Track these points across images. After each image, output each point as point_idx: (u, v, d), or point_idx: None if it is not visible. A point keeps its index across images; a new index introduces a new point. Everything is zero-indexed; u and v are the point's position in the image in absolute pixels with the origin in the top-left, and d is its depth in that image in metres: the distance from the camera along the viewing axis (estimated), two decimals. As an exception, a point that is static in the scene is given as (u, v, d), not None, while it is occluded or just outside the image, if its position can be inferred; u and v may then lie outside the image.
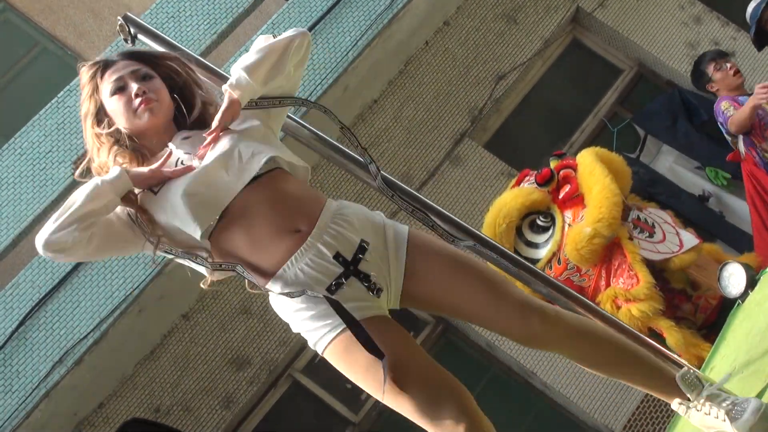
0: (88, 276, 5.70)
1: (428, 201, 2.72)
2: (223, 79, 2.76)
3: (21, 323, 5.59)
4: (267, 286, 2.49)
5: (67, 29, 7.47)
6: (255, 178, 2.50)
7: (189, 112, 2.72)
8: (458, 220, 2.69)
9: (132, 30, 2.92)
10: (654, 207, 5.09)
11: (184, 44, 2.96)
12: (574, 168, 4.84)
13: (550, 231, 4.84)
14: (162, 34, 2.98)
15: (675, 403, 2.67)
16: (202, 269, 2.54)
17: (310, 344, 2.54)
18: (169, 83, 2.71)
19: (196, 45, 6.03)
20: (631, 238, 4.67)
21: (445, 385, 2.45)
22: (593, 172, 4.69)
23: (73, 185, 5.95)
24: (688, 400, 2.64)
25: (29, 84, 7.38)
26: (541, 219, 4.87)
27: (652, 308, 4.51)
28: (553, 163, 4.97)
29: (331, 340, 2.46)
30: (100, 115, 2.66)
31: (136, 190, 2.54)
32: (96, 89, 2.66)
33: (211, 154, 2.53)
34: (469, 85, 7.26)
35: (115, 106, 2.63)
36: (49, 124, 5.95)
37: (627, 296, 4.53)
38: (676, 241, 4.75)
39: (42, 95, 6.30)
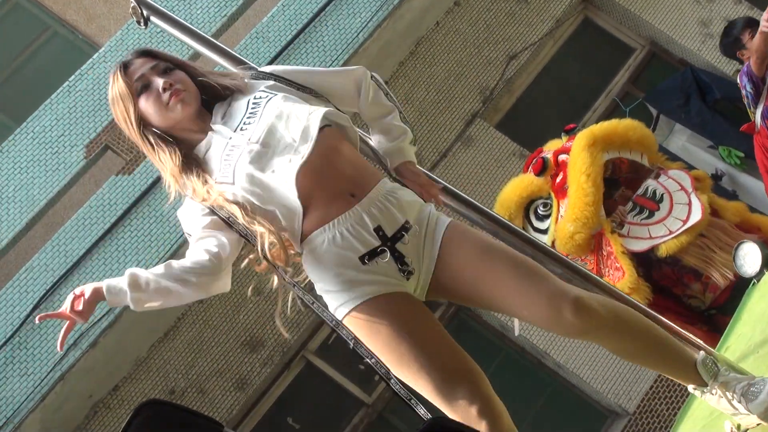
0: (101, 259, 5.73)
1: (441, 180, 2.72)
2: (236, 60, 2.76)
3: (35, 307, 5.63)
4: (310, 236, 2.53)
5: (77, 13, 7.48)
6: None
7: (210, 94, 2.73)
8: (470, 199, 2.69)
9: (145, 12, 2.93)
10: (678, 168, 5.05)
11: (194, 26, 2.95)
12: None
13: (550, 219, 4.87)
14: (174, 16, 2.99)
15: (691, 387, 2.68)
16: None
17: (332, 308, 2.56)
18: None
19: (206, 27, 6.05)
20: (614, 231, 4.67)
21: (461, 366, 2.47)
22: (575, 165, 4.68)
23: (85, 170, 6.00)
24: (705, 384, 2.64)
25: (40, 68, 7.40)
26: (541, 208, 4.90)
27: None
28: (564, 139, 4.96)
29: (355, 307, 2.49)
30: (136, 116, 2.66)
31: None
32: (124, 93, 2.64)
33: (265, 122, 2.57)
34: (480, 66, 7.25)
35: (144, 105, 2.62)
36: (60, 109, 5.98)
37: None
38: (683, 215, 4.72)
39: (53, 80, 6.33)
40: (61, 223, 5.99)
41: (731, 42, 5.56)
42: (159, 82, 2.61)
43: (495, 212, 4.84)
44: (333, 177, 2.52)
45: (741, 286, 4.30)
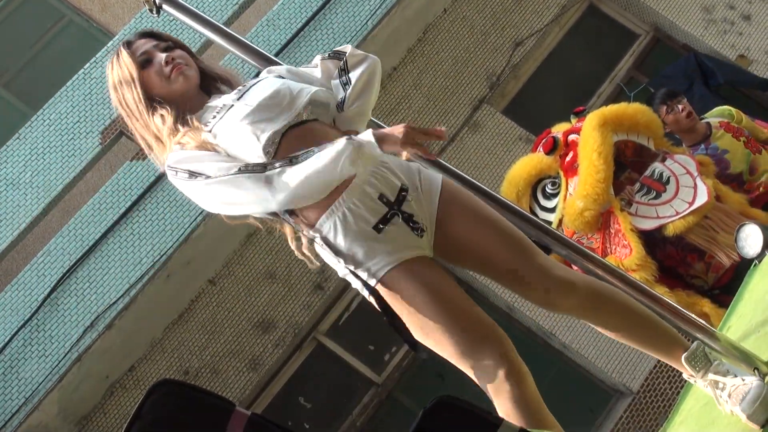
0: (117, 243, 5.81)
1: (449, 165, 2.75)
2: (247, 48, 2.82)
3: (53, 290, 5.73)
4: (317, 226, 2.55)
5: (92, 2, 7.54)
6: (301, 123, 2.58)
7: (209, 80, 2.81)
8: (478, 183, 2.73)
9: (157, 0, 2.93)
10: (683, 152, 5.10)
11: (206, 14, 3.00)
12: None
13: (559, 197, 4.90)
14: (186, 4, 3.01)
15: (686, 374, 2.73)
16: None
17: (357, 285, 2.57)
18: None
19: (217, 15, 6.10)
20: (623, 209, 4.71)
21: (485, 329, 2.50)
22: (586, 143, 4.71)
23: (100, 155, 6.07)
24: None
25: (56, 56, 7.45)
26: (549, 186, 4.93)
27: (644, 279, 4.55)
28: (573, 121, 5.01)
29: (382, 277, 2.52)
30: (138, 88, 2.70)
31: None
32: (127, 62, 2.70)
33: (261, 92, 2.62)
34: (487, 52, 7.30)
35: (146, 76, 2.69)
36: (76, 96, 6.05)
37: (620, 266, 4.56)
38: (689, 197, 4.75)
39: (69, 67, 6.39)
40: (77, 207, 6.06)
41: None
42: (161, 56, 2.69)
43: (503, 189, 4.94)
44: None
45: (743, 266, 4.35)
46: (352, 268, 2.55)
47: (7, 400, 5.54)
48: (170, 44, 2.76)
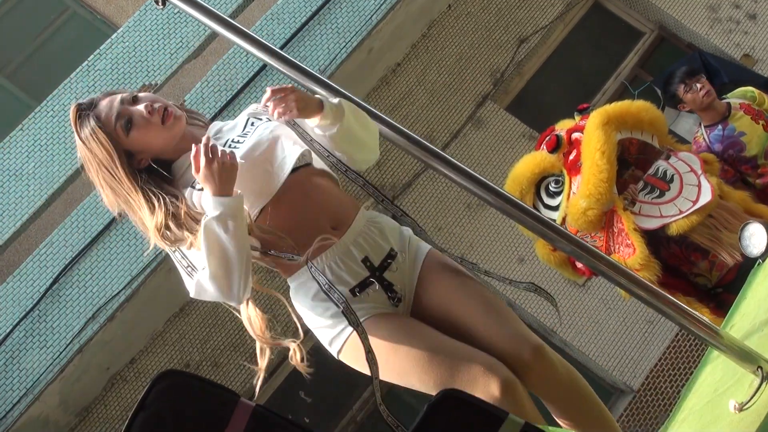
0: (119, 235, 5.82)
1: (453, 159, 2.75)
2: (252, 40, 2.80)
3: (55, 281, 5.73)
4: (293, 276, 2.55)
5: (96, -7, 7.56)
6: (294, 170, 2.49)
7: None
8: (483, 178, 2.72)
9: None
10: (687, 150, 5.10)
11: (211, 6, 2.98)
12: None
13: (562, 195, 4.90)
14: None
15: None
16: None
17: (326, 341, 2.58)
18: None
19: (222, 8, 6.10)
20: (626, 208, 4.71)
21: (466, 356, 2.43)
22: (589, 142, 4.71)
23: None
24: None
25: (60, 48, 7.46)
26: (553, 185, 4.93)
27: (647, 278, 4.55)
28: (577, 119, 5.01)
29: (345, 341, 2.52)
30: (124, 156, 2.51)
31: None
32: (103, 139, 2.48)
33: (253, 143, 2.53)
34: (491, 48, 7.31)
35: (137, 136, 2.51)
36: (79, 87, 6.05)
37: (624, 265, 4.55)
38: (693, 196, 4.75)
39: (72, 59, 6.39)
40: (80, 199, 6.06)
41: (669, 97, 5.60)
42: (140, 109, 2.51)
43: (506, 187, 4.94)
44: (312, 212, 2.49)
45: (747, 265, 4.35)
46: (321, 324, 2.56)
47: (8, 390, 5.55)
48: (132, 95, 2.56)
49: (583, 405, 2.62)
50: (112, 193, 2.55)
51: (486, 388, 2.37)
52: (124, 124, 2.49)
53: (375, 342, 2.43)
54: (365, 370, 2.45)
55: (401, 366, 2.46)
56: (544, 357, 2.52)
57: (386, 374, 2.49)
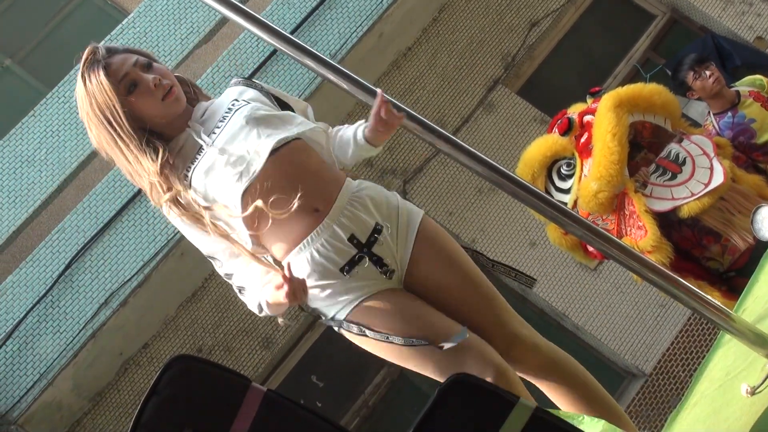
0: (131, 221, 5.83)
1: (464, 144, 2.74)
2: (263, 25, 2.79)
3: (67, 267, 5.76)
4: (283, 263, 2.52)
5: (107, -21, 7.56)
6: (274, 151, 2.48)
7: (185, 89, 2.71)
8: (494, 162, 2.72)
9: None
10: (700, 133, 5.08)
11: None
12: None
13: (573, 178, 4.89)
14: None
15: None
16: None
17: (327, 317, 2.56)
18: None
19: (232, -6, 6.08)
20: (637, 191, 4.70)
21: (466, 342, 2.45)
22: (601, 125, 4.70)
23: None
24: None
25: (71, 34, 7.46)
26: (564, 168, 4.92)
27: (659, 261, 4.54)
28: (589, 102, 4.99)
29: (348, 314, 2.50)
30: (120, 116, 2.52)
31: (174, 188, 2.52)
32: (108, 90, 2.47)
33: (229, 135, 2.55)
34: (502, 32, 7.28)
35: (136, 102, 2.52)
36: (91, 73, 6.05)
37: (636, 248, 4.55)
38: (705, 178, 4.73)
39: (83, 45, 6.36)
40: (91, 185, 6.07)
41: (678, 84, 5.56)
42: (148, 78, 2.53)
43: (518, 170, 4.93)
44: (293, 191, 2.45)
45: (760, 249, 4.33)
46: (316, 305, 2.56)
47: (22, 376, 5.58)
48: (148, 60, 2.59)
49: (571, 388, 2.66)
50: (107, 133, 2.53)
51: (481, 376, 2.36)
52: (128, 85, 2.52)
53: (371, 328, 2.48)
54: (363, 344, 2.53)
55: (398, 351, 2.48)
56: (519, 346, 2.58)
57: (386, 356, 2.53)
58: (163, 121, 2.58)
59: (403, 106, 2.61)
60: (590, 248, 4.90)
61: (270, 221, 2.42)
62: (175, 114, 2.59)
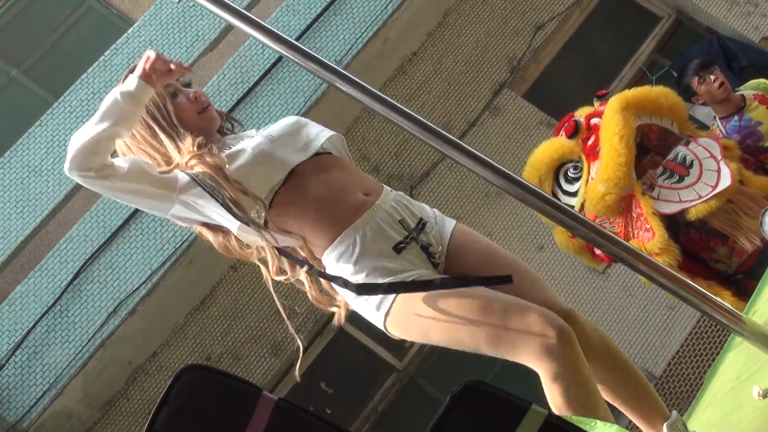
0: (139, 230, 5.84)
1: (470, 148, 2.74)
2: (268, 32, 2.79)
3: (75, 276, 5.76)
4: (328, 250, 2.56)
5: (112, -12, 7.57)
6: (317, 154, 2.64)
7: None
8: (501, 167, 2.71)
9: None
10: (708, 136, 5.08)
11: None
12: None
13: (581, 181, 4.89)
14: None
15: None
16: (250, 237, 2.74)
17: (374, 302, 2.53)
18: None
19: (237, 1, 6.06)
20: (645, 193, 4.69)
21: (520, 305, 2.44)
22: (608, 127, 4.69)
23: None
24: None
25: (76, 43, 7.48)
26: (571, 171, 4.92)
27: (667, 263, 4.53)
28: (596, 105, 4.99)
29: (391, 305, 2.50)
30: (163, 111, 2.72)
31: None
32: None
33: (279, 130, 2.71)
34: (507, 36, 7.28)
35: (174, 107, 2.71)
36: (96, 82, 6.07)
37: (643, 250, 4.55)
38: (712, 181, 4.73)
39: (89, 54, 6.40)
40: (99, 195, 6.06)
41: (683, 89, 5.54)
42: (189, 91, 2.76)
43: (525, 174, 4.93)
44: (342, 180, 2.61)
45: (768, 251, 4.34)
46: (365, 278, 2.53)
47: (32, 385, 5.59)
48: (189, 80, 2.81)
49: (617, 370, 2.65)
50: (147, 127, 2.70)
51: (543, 336, 2.35)
52: (171, 92, 2.73)
53: (422, 300, 2.46)
54: (415, 331, 2.51)
55: (451, 319, 2.44)
56: (576, 322, 2.54)
57: (434, 332, 2.48)
58: (197, 134, 2.69)
59: (409, 111, 2.60)
60: (597, 251, 4.90)
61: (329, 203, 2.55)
62: (207, 130, 2.74)
